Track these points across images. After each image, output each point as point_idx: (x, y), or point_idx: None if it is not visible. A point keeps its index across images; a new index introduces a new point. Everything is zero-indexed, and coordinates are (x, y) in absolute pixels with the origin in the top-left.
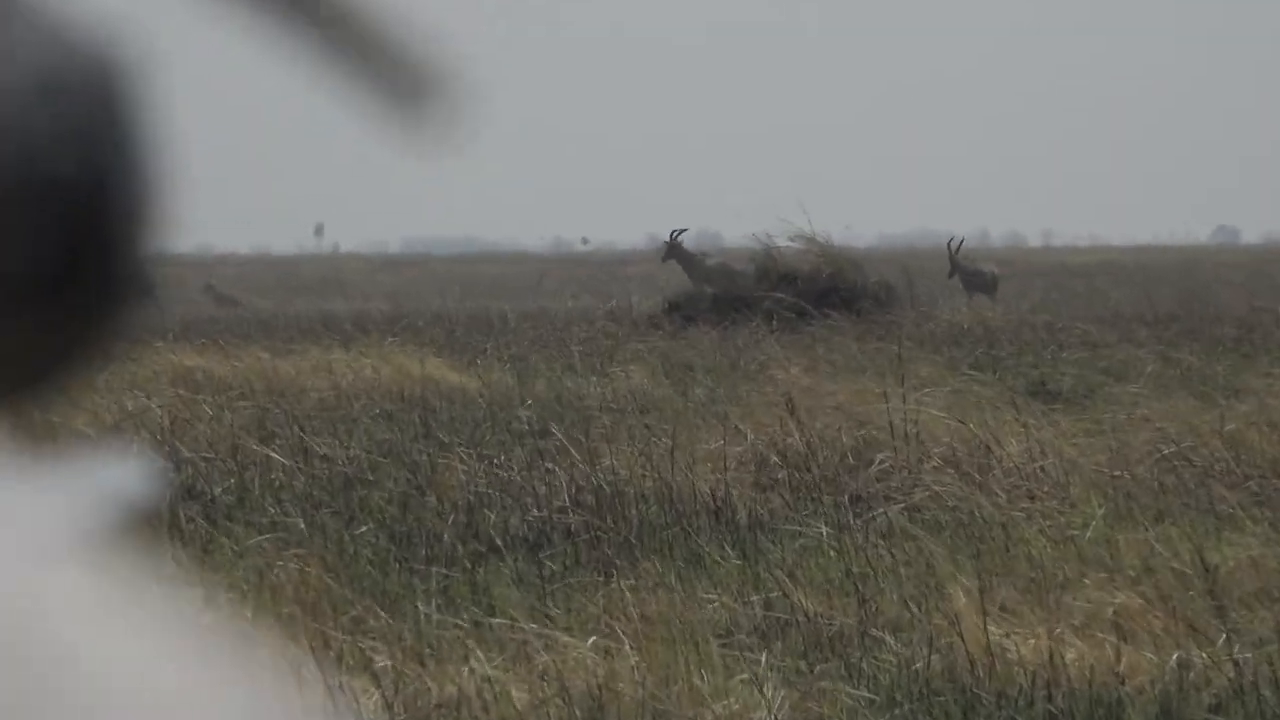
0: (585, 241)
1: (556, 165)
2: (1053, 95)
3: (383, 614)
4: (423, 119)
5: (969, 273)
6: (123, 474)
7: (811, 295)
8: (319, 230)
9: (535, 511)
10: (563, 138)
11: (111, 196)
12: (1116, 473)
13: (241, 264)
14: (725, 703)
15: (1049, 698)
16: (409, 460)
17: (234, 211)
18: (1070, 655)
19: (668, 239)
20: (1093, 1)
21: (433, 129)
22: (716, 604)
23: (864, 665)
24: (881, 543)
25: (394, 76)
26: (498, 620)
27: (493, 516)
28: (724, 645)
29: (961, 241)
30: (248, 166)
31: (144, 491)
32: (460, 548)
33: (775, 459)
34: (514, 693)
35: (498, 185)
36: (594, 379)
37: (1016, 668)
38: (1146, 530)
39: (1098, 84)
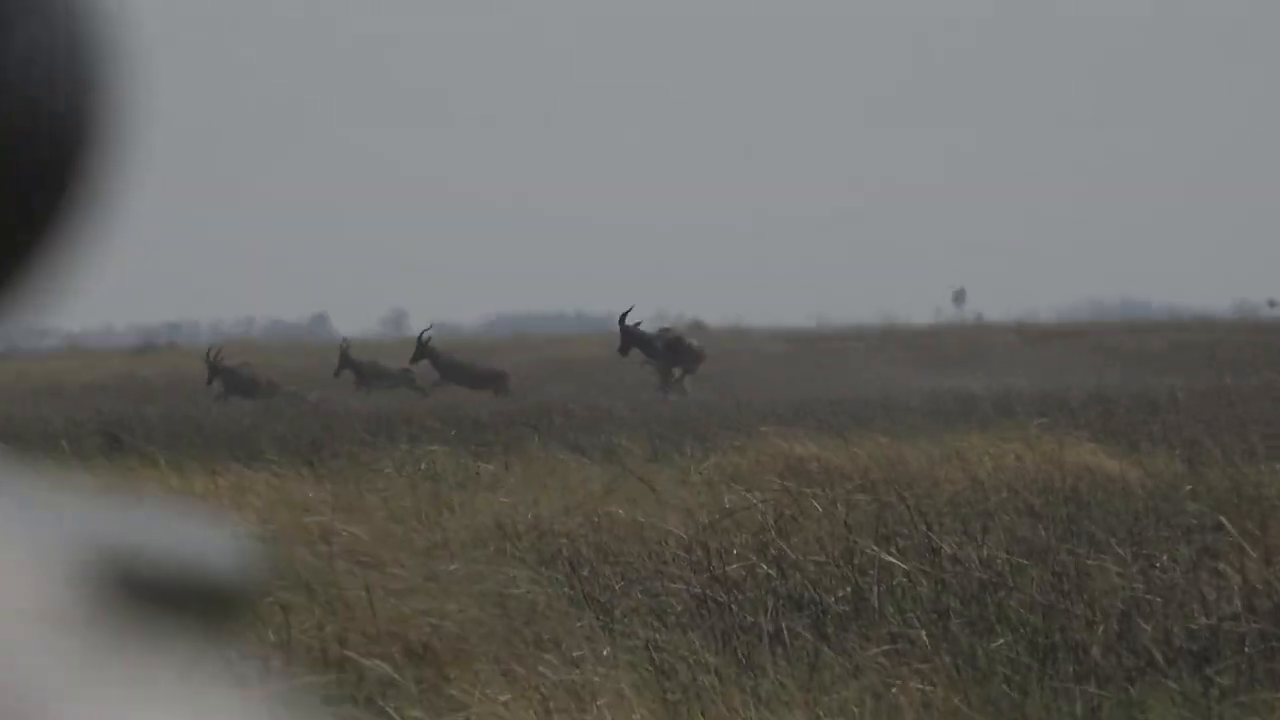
0: (1273, 304)
1: (1238, 212)
2: None
3: None
4: None
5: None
6: (201, 541)
7: None
8: (958, 297)
9: (1201, 619)
10: None
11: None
12: None
13: (860, 337)
14: None
15: None
16: (1054, 561)
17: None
18: None
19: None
20: None
21: None
22: None
23: None
24: None
25: None
26: None
27: (1150, 626)
28: None
29: None
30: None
31: (222, 564)
32: (1115, 662)
33: None
34: None
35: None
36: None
37: None
38: None
39: None
